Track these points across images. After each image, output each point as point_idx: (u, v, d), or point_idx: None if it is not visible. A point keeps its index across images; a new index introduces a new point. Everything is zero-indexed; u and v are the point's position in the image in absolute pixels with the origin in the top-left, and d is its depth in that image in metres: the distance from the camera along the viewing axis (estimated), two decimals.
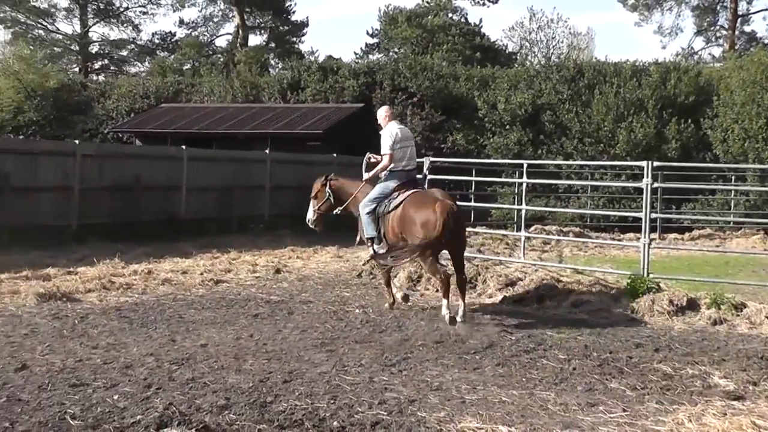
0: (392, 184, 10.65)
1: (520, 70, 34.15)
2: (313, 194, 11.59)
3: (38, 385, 6.84)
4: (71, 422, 5.94)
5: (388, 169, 10.67)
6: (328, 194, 11.41)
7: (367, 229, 10.67)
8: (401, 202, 10.34)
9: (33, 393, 6.63)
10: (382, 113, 11.13)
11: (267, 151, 24.37)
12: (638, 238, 14.25)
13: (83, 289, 11.89)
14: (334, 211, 11.42)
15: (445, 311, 9.89)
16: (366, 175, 11.08)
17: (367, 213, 10.61)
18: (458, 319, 9.83)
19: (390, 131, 10.73)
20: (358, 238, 11.37)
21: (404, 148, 10.76)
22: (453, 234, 9.86)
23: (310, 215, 11.60)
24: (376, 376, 7.43)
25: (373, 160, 11.18)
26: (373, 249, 10.74)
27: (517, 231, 19.34)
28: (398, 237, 10.33)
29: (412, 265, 13.61)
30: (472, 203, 23.11)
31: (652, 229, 14.90)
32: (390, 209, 10.42)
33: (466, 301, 10.34)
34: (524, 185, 17.86)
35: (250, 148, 26.32)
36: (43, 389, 6.75)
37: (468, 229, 19.40)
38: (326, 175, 11.72)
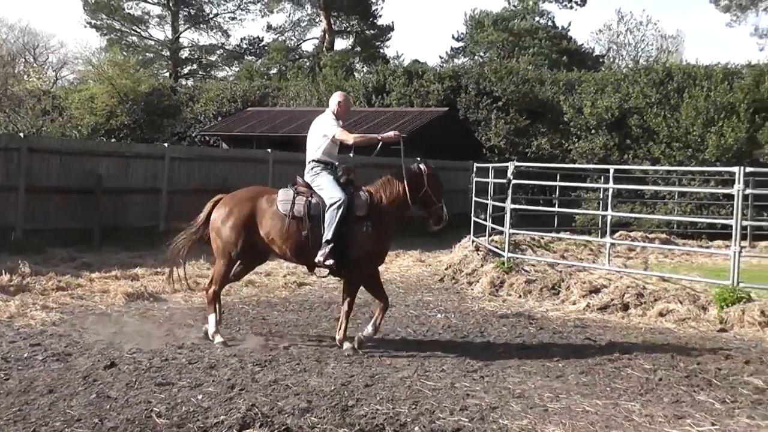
0: None
1: (607, 73, 33.73)
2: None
3: (126, 383, 7.01)
4: (157, 420, 6.07)
5: None
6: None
7: None
8: None
9: (121, 390, 6.80)
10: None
11: (351, 155, 24.50)
12: (727, 246, 13.89)
13: (170, 289, 12.13)
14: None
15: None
16: None
17: None
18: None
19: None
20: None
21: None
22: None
23: None
24: (458, 382, 7.40)
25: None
26: None
27: (601, 237, 19.05)
28: None
29: (495, 271, 13.56)
30: (556, 208, 22.89)
31: (743, 237, 14.47)
32: None
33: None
34: (610, 190, 17.57)
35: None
36: (131, 387, 6.91)
37: (551, 234, 19.31)
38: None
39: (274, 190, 9.11)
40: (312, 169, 9.05)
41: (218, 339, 8.66)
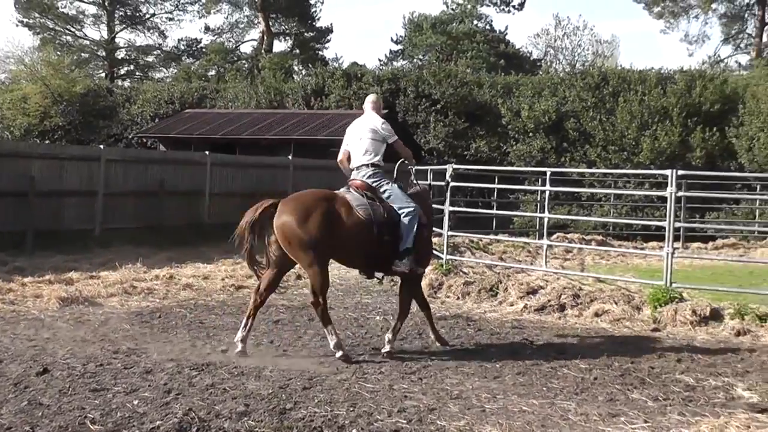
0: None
1: (545, 77, 34.13)
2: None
3: (59, 390, 6.89)
4: (91, 427, 5.97)
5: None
6: None
7: None
8: None
9: (54, 397, 6.67)
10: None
11: (290, 157, 24.45)
12: (661, 247, 14.16)
13: (105, 293, 11.97)
14: None
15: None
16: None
17: None
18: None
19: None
20: None
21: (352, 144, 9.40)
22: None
23: None
24: (396, 384, 7.42)
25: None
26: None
27: (539, 239, 19.27)
28: None
29: (434, 273, 13.62)
30: (494, 211, 23.07)
31: (676, 238, 14.77)
32: None
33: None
34: (547, 193, 17.78)
35: (273, 154, 26.42)
36: (64, 393, 6.79)
37: (490, 236, 19.47)
38: None
39: (334, 192, 8.88)
40: (374, 174, 8.99)
41: (340, 353, 8.38)
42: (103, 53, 59.93)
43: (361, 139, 9.16)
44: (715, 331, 10.56)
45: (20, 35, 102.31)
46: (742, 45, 56.27)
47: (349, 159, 9.31)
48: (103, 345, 8.71)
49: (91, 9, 59.52)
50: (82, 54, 58.65)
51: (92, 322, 10.08)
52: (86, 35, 59.86)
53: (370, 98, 9.76)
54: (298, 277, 14.52)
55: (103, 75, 57.55)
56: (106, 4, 58.42)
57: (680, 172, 13.02)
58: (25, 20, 57.13)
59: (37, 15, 57.16)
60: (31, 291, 11.78)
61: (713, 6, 54.67)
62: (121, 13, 60.11)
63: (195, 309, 11.28)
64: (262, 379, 7.42)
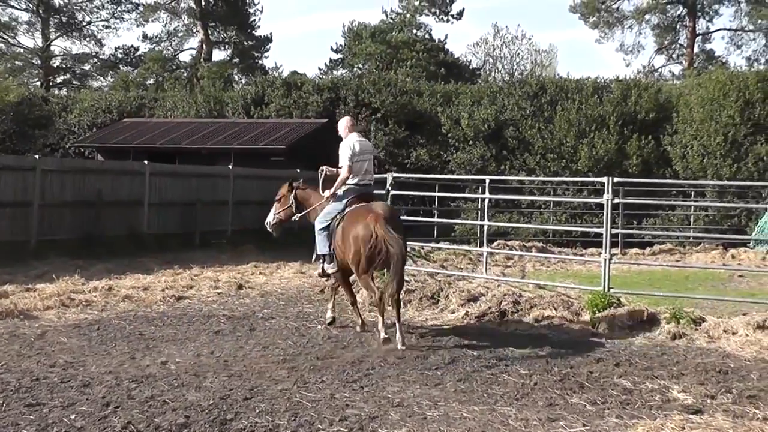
0: (345, 199, 10.43)
1: (484, 86, 34.50)
2: (277, 198, 11.40)
3: None
4: None
5: (345, 183, 10.50)
6: (291, 201, 11.14)
7: (320, 245, 10.45)
8: (343, 217, 10.21)
9: None
10: (343, 124, 10.93)
11: (230, 167, 24.30)
12: (599, 254, 14.37)
13: (41, 306, 11.73)
14: (293, 218, 11.18)
15: (381, 330, 9.62)
16: (328, 192, 10.72)
17: (321, 229, 10.41)
18: (398, 346, 9.41)
19: (349, 143, 10.48)
20: (314, 254, 11.01)
21: (362, 161, 10.48)
22: (387, 246, 9.41)
23: (270, 219, 11.36)
24: (338, 393, 7.41)
25: (328, 172, 10.85)
26: (323, 267, 10.58)
27: (480, 246, 19.42)
28: (342, 253, 10.13)
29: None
30: (436, 219, 23.19)
31: (613, 245, 15.00)
32: (336, 225, 10.27)
33: (401, 322, 9.84)
34: (487, 201, 17.92)
35: (213, 163, 26.23)
36: None
37: (431, 244, 19.56)
38: (292, 180, 11.52)
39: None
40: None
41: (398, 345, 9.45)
42: (38, 61, 58.96)
43: (369, 160, 10.64)
44: (651, 335, 10.74)
45: None
46: (674, 55, 57.56)
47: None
48: (40, 359, 8.55)
49: (25, 16, 58.61)
50: (16, 62, 57.63)
51: (28, 335, 9.88)
52: (20, 43, 58.88)
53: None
54: (240, 287, 14.45)
55: (39, 83, 56.63)
56: (41, 11, 57.47)
57: (617, 180, 13.24)
58: None
59: None
60: None
61: (646, 17, 55.81)
62: (56, 21, 59.19)
63: (134, 320, 11.12)
64: (202, 390, 7.35)
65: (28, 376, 7.71)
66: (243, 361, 8.69)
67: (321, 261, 10.61)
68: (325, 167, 11.01)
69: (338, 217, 10.29)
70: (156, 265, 16.44)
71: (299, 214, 11.11)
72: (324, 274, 10.75)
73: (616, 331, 10.92)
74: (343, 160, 10.42)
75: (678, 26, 56.21)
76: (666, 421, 6.69)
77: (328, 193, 10.67)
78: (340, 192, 10.55)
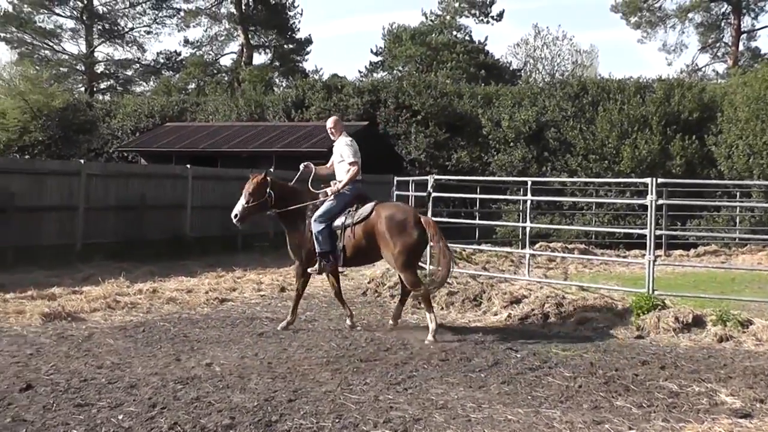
0: (350, 196, 10.64)
1: (524, 87, 34.32)
2: (249, 190, 10.78)
3: (43, 406, 6.84)
4: None
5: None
6: (268, 193, 10.76)
7: (323, 243, 10.46)
8: (369, 214, 10.39)
9: (38, 413, 6.63)
10: (338, 123, 11.31)
11: (272, 170, 24.41)
12: (643, 255, 14.22)
13: (88, 308, 11.90)
14: (268, 212, 10.99)
15: (432, 323, 10.24)
16: (329, 189, 10.73)
17: (325, 227, 10.44)
18: (428, 337, 10.11)
19: (348, 141, 10.94)
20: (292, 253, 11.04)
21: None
22: (443, 244, 10.27)
23: (239, 210, 10.73)
24: (381, 395, 7.42)
25: (314, 169, 11.07)
26: (322, 265, 10.63)
27: (521, 248, 19.32)
28: (363, 250, 10.45)
29: None
30: (477, 221, 23.11)
31: (657, 246, 14.82)
32: (357, 221, 10.42)
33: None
34: (529, 202, 17.84)
35: (254, 166, 26.25)
36: (48, 409, 6.75)
37: (473, 246, 19.51)
38: (265, 172, 11.15)
39: None
40: None
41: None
42: (82, 67, 59.73)
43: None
44: (697, 338, 10.62)
45: None
46: (719, 54, 56.76)
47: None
48: (87, 360, 8.66)
49: (69, 23, 59.39)
50: (61, 68, 58.38)
51: (75, 337, 10.02)
52: (65, 49, 59.70)
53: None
54: (282, 289, 14.54)
55: (83, 89, 57.38)
56: (84, 18, 58.27)
57: (660, 180, 13.11)
58: (2, 35, 56.85)
59: (14, 29, 56.84)
60: (13, 307, 11.68)
61: (690, 15, 55.14)
62: (99, 27, 59.92)
63: (179, 323, 11.23)
64: (247, 392, 7.40)
65: (77, 377, 7.83)
66: (287, 363, 8.73)
67: (321, 259, 10.59)
68: (311, 164, 11.18)
69: (351, 214, 10.48)
70: (199, 268, 16.60)
71: (277, 210, 10.86)
72: (322, 271, 10.82)
73: (661, 333, 10.81)
74: (352, 157, 10.73)
75: (722, 24, 55.40)
76: (714, 424, 6.61)
77: (330, 190, 10.72)
78: (345, 190, 10.64)
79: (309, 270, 10.80)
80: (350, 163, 10.71)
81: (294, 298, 11.10)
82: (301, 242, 10.80)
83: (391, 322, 11.10)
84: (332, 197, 10.63)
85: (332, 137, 11.27)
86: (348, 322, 11.02)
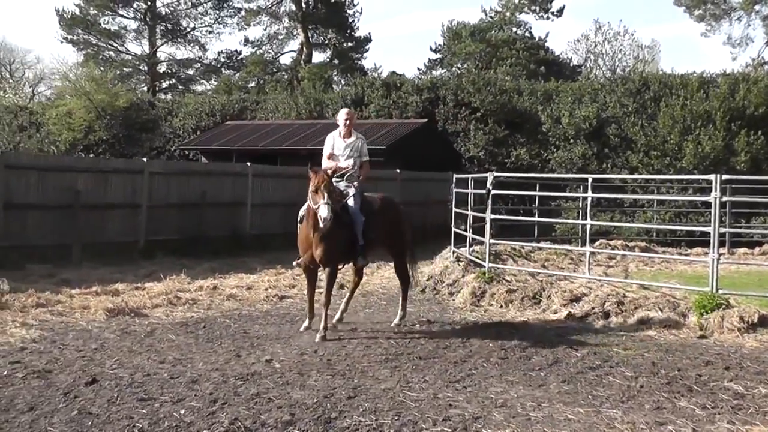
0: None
1: (585, 83, 33.96)
2: (323, 187, 9.70)
3: (107, 399, 6.98)
4: None
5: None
6: (335, 189, 10.12)
7: (363, 235, 10.35)
8: (380, 207, 10.77)
9: (103, 407, 6.76)
10: (353, 117, 11.19)
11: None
12: (706, 253, 13.97)
13: (150, 304, 12.09)
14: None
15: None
16: (354, 184, 10.67)
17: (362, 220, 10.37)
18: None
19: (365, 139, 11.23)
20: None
21: None
22: None
23: (329, 211, 9.47)
24: (441, 393, 7.41)
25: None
26: (362, 258, 10.80)
27: (581, 246, 19.12)
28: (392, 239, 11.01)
29: (477, 281, 13.57)
30: (536, 218, 22.95)
31: (721, 244, 14.57)
32: (377, 213, 10.65)
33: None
34: (589, 200, 17.65)
35: (314, 164, 26.51)
36: (113, 403, 6.88)
37: (532, 244, 19.37)
38: (327, 169, 10.39)
39: None
40: None
41: None
42: (145, 67, 60.81)
43: None
44: (763, 338, 10.39)
45: (65, 52, 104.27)
46: None
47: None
48: (150, 355, 8.81)
49: (133, 24, 60.53)
50: (125, 68, 59.46)
51: (138, 332, 10.19)
52: (128, 50, 60.96)
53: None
54: (341, 286, 14.57)
55: (145, 89, 58.38)
56: (147, 19, 59.28)
57: (724, 177, 12.81)
58: (69, 37, 58.26)
59: (80, 32, 58.19)
60: (78, 302, 11.94)
61: (755, 8, 53.93)
62: (162, 28, 60.94)
63: (239, 319, 11.35)
64: (306, 389, 7.45)
65: (140, 372, 7.96)
66: (346, 360, 8.76)
67: (362, 251, 10.64)
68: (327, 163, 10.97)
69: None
70: (259, 265, 16.75)
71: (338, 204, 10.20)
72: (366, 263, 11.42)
73: (725, 333, 10.61)
74: (367, 156, 11.04)
75: None
76: None
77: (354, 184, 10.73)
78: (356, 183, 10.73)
79: (360, 263, 11.08)
80: (368, 162, 11.02)
81: (325, 298, 10.21)
82: (349, 237, 10.25)
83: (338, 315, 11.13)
84: (353, 190, 10.58)
85: (343, 129, 10.86)
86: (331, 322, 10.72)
